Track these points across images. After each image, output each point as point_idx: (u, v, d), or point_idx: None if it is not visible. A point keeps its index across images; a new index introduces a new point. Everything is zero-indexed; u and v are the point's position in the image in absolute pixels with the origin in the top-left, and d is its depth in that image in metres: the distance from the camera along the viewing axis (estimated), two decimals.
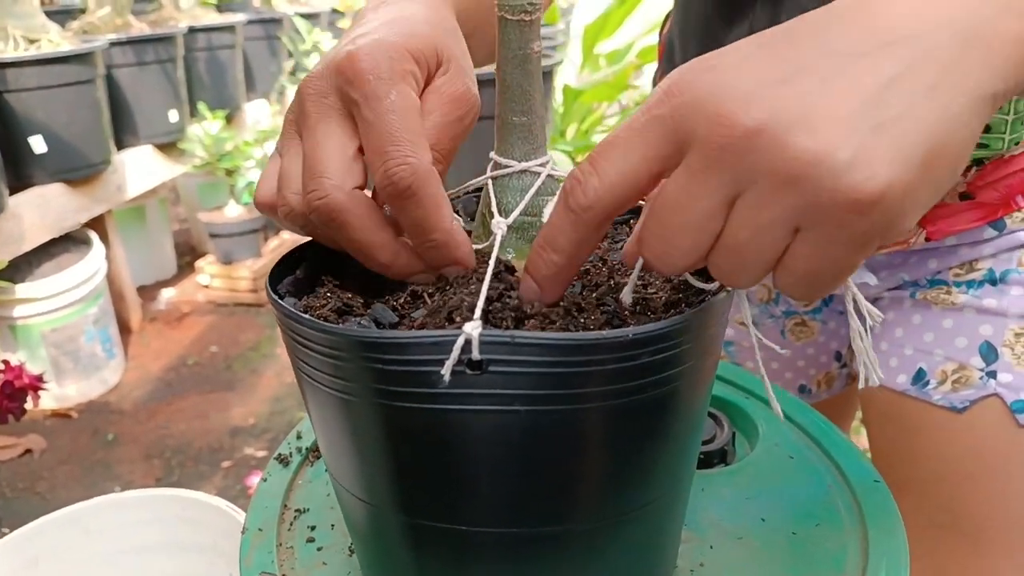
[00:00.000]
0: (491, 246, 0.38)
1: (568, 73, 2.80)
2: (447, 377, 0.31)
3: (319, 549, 0.48)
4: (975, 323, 0.64)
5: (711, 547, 0.47)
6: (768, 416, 0.58)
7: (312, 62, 3.39)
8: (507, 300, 0.36)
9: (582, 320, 0.35)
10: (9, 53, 1.96)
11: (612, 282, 0.39)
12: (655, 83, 0.82)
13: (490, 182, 0.41)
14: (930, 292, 0.66)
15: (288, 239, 2.95)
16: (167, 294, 2.84)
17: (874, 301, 0.73)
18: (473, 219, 0.45)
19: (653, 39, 2.64)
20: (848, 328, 0.78)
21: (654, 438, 0.35)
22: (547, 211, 0.39)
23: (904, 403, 0.67)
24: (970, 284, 0.64)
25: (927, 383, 0.65)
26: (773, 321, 0.80)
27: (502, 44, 0.38)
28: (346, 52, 0.36)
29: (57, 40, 2.06)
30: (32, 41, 2.03)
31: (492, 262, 0.35)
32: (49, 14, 2.24)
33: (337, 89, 0.37)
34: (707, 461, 0.54)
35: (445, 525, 0.36)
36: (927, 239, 0.64)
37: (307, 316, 0.34)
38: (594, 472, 0.35)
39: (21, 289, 2.01)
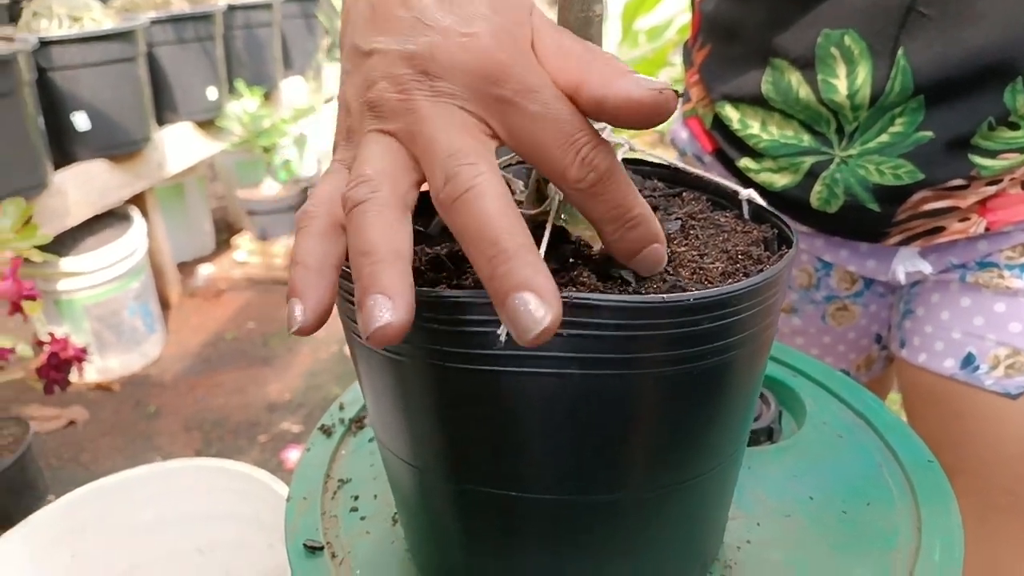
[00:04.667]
0: (545, 212, 0.37)
1: (607, 50, 2.77)
2: (503, 338, 0.31)
3: (363, 518, 0.48)
4: None
5: (758, 524, 0.46)
6: (816, 394, 0.57)
7: None
8: (563, 264, 0.36)
9: (642, 287, 0.35)
10: (53, 31, 1.99)
11: (669, 251, 0.38)
12: (686, 58, 0.80)
13: None
14: (981, 275, 0.65)
15: None
16: (205, 270, 2.88)
17: (916, 284, 0.71)
18: (527, 187, 0.44)
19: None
20: (889, 310, 0.77)
21: (711, 407, 0.35)
22: None
23: (951, 387, 0.66)
24: None
25: (977, 367, 0.64)
26: (814, 307, 0.78)
27: (564, 7, 0.38)
28: (462, 44, 0.30)
29: (100, 18, 2.09)
30: (75, 19, 2.06)
31: (549, 225, 0.35)
32: None
33: (472, 88, 0.30)
34: (754, 439, 0.53)
35: (495, 491, 0.36)
36: (987, 229, 0.63)
37: None
38: (649, 440, 0.34)
39: (65, 263, 2.05)
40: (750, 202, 0.44)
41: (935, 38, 0.56)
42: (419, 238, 0.42)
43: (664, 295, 0.31)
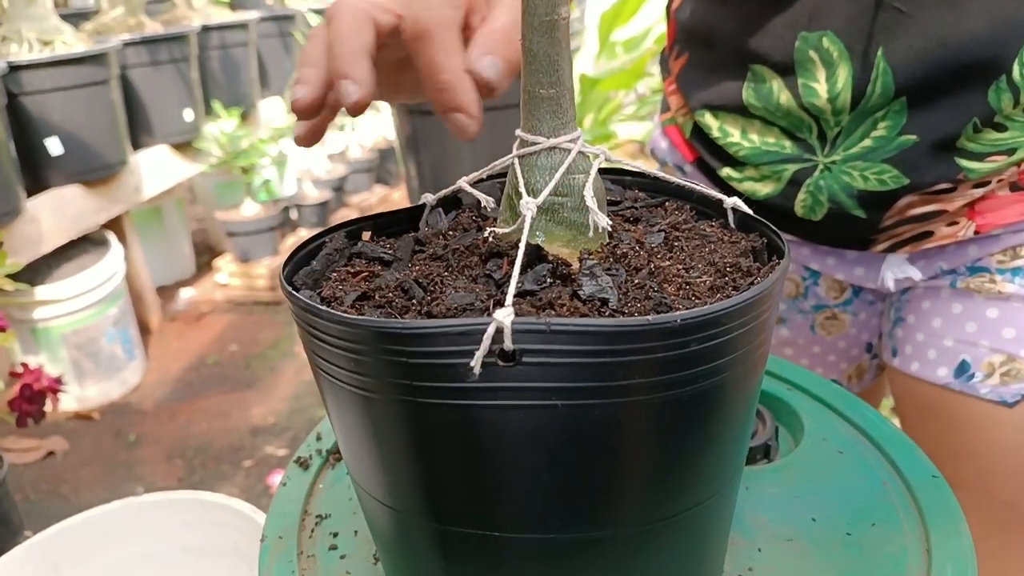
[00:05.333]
0: (519, 229, 0.35)
1: (585, 62, 2.76)
2: (477, 370, 0.28)
3: (342, 557, 0.45)
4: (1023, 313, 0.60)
5: (759, 550, 0.44)
6: (814, 409, 0.55)
7: None
8: (540, 284, 0.33)
9: (624, 306, 0.32)
10: (24, 55, 1.95)
11: (652, 265, 0.36)
12: (663, 67, 0.78)
13: (516, 161, 0.38)
14: (972, 280, 0.63)
15: (305, 236, 2.94)
16: (186, 294, 2.84)
17: (906, 291, 0.69)
18: (499, 204, 0.42)
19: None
20: (879, 318, 0.75)
21: (704, 433, 0.32)
22: (586, 192, 0.36)
23: (946, 397, 0.64)
24: (1015, 272, 0.61)
25: (972, 376, 0.62)
26: (802, 316, 0.76)
27: (527, 11, 0.35)
28: None
29: (71, 41, 2.06)
30: (46, 43, 2.02)
31: (523, 244, 0.32)
32: (63, 16, 2.23)
33: None
34: (750, 457, 0.51)
35: (476, 531, 0.33)
36: (976, 232, 0.61)
37: (323, 307, 0.31)
38: (639, 472, 0.32)
39: (41, 291, 2.00)
40: (736, 211, 0.42)
41: (914, 36, 0.54)
42: (387, 262, 0.39)
43: (649, 317, 0.29)
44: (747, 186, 0.67)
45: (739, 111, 0.64)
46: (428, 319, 0.32)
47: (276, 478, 1.82)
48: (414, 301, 0.34)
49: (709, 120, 0.67)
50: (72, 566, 0.92)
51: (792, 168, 0.63)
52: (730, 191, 0.68)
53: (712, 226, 0.42)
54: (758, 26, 0.61)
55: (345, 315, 0.30)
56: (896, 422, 0.76)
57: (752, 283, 0.35)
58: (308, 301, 0.32)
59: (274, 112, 3.16)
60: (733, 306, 0.29)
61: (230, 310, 2.73)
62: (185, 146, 2.61)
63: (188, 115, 2.55)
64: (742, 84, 0.63)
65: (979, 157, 0.57)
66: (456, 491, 0.33)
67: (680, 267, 0.37)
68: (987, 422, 0.61)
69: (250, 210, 2.76)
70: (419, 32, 0.39)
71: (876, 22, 0.55)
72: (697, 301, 0.34)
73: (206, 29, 2.68)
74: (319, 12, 3.44)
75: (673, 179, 0.43)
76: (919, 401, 0.67)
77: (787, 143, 0.62)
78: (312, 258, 0.39)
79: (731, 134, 0.66)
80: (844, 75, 0.57)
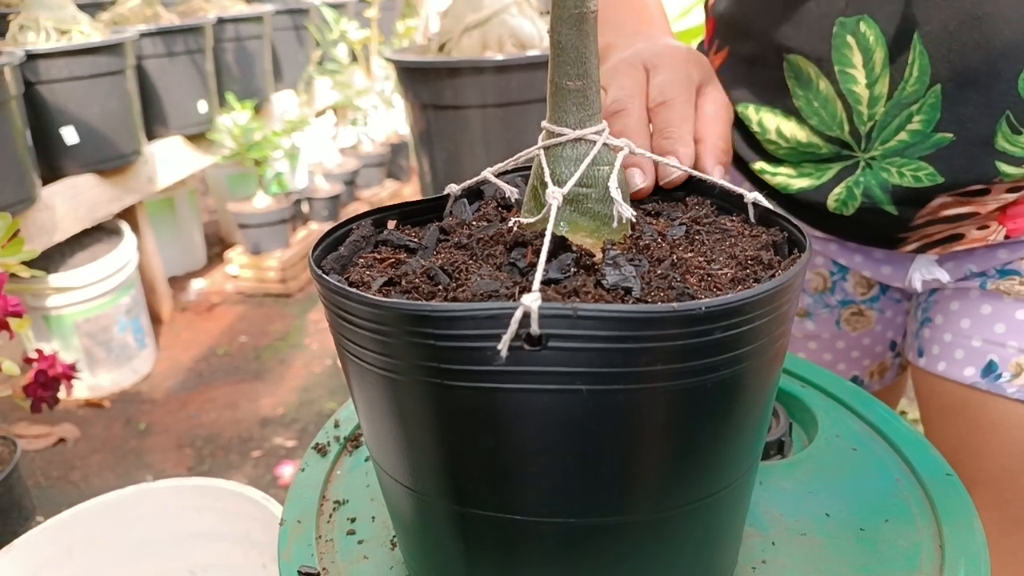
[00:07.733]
0: (544, 219, 0.35)
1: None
2: (504, 353, 0.29)
3: (360, 542, 0.46)
4: None
5: (773, 543, 0.44)
6: (827, 406, 0.55)
7: (339, 51, 3.38)
8: (564, 273, 0.34)
9: (647, 296, 0.33)
10: (40, 44, 1.97)
11: (675, 257, 0.36)
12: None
13: (542, 152, 0.38)
14: (1002, 283, 0.63)
15: (316, 229, 2.95)
16: (197, 285, 2.85)
17: (934, 291, 0.69)
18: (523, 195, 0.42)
19: (686, 23, 2.59)
20: (905, 316, 0.75)
21: (725, 421, 0.33)
22: (611, 183, 0.36)
23: (973, 396, 0.64)
24: None
25: (999, 376, 0.62)
26: (828, 311, 0.76)
27: (556, 3, 0.36)
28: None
29: (88, 31, 2.07)
30: (63, 32, 2.04)
31: (549, 234, 0.33)
32: (80, 6, 2.24)
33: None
34: (764, 453, 0.51)
35: (497, 514, 0.34)
36: (1007, 236, 0.61)
37: (353, 290, 0.31)
38: (660, 458, 0.32)
39: (54, 279, 2.02)
40: (756, 205, 0.42)
41: (949, 17, 0.53)
42: (412, 250, 0.40)
43: (675, 304, 0.29)
44: (780, 180, 0.66)
45: (777, 106, 0.64)
46: (456, 303, 0.33)
47: (284, 469, 1.83)
48: (440, 287, 0.34)
49: (751, 113, 0.67)
50: (85, 550, 0.94)
51: (836, 167, 0.62)
52: (761, 184, 0.68)
53: (732, 221, 0.42)
54: (795, 14, 0.60)
55: (374, 298, 0.31)
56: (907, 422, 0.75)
57: (773, 275, 0.35)
58: (338, 284, 0.32)
59: (288, 105, 3.17)
60: (756, 296, 0.30)
61: (240, 301, 2.75)
62: (199, 137, 2.63)
63: (202, 106, 2.56)
64: (781, 76, 0.63)
65: (1018, 162, 0.56)
66: (478, 473, 0.33)
67: (701, 259, 0.37)
68: (1013, 421, 0.61)
69: (262, 202, 2.77)
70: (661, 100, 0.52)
71: (912, 3, 0.55)
72: (719, 292, 0.34)
73: (221, 21, 2.70)
74: (334, 6, 3.45)
75: (695, 173, 0.44)
76: (944, 401, 0.67)
77: (820, 142, 0.62)
78: (340, 244, 0.40)
79: (768, 131, 0.66)
80: (881, 60, 0.57)
